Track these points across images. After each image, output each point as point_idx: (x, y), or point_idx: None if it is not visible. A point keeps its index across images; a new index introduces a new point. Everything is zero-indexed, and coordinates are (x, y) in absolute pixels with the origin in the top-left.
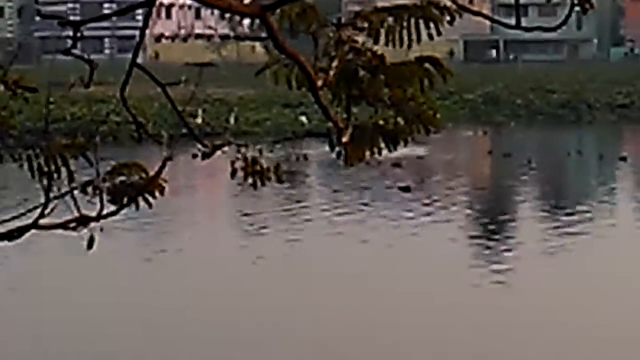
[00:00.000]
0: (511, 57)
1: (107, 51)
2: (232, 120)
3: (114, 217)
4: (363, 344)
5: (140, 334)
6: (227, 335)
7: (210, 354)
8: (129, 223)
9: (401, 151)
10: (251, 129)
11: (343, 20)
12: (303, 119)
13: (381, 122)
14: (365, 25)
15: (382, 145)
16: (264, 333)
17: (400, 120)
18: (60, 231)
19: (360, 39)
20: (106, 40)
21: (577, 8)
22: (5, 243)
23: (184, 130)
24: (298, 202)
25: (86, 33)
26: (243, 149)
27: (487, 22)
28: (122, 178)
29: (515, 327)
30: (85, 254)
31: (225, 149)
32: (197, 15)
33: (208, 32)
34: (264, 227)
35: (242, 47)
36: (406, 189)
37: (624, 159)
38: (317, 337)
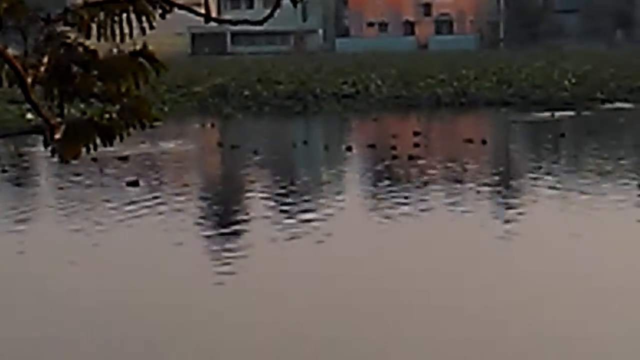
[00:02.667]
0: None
1: None
2: None
3: None
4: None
5: None
6: None
7: None
8: None
9: (129, 144)
10: None
11: (54, 15)
12: (29, 115)
13: (96, 118)
14: (77, 20)
15: (98, 140)
16: None
17: (115, 115)
18: None
19: (74, 34)
20: None
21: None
22: None
23: None
24: (23, 200)
25: None
26: None
27: (215, 14)
28: None
29: (252, 323)
30: None
31: None
32: None
33: None
34: None
35: None
36: (134, 184)
37: (349, 148)
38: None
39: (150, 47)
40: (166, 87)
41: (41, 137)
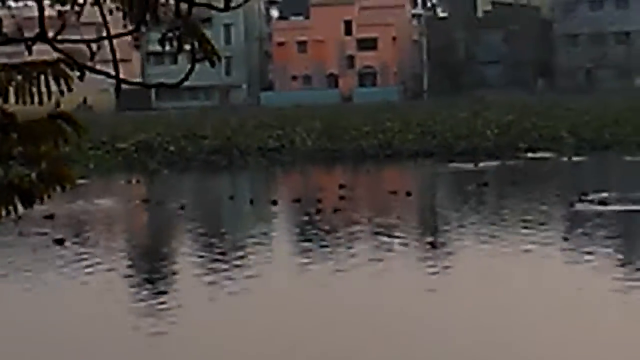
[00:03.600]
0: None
1: None
2: None
3: None
4: None
5: None
6: None
7: None
8: None
9: (55, 202)
10: None
11: None
12: None
13: (16, 181)
14: None
15: (18, 203)
16: None
17: (34, 178)
18: None
19: None
20: None
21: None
22: None
23: None
24: None
25: None
26: None
27: (139, 70)
28: None
29: None
30: None
31: None
32: None
33: None
34: None
35: None
36: (60, 241)
37: (275, 202)
38: None
39: (74, 104)
40: (91, 143)
41: None
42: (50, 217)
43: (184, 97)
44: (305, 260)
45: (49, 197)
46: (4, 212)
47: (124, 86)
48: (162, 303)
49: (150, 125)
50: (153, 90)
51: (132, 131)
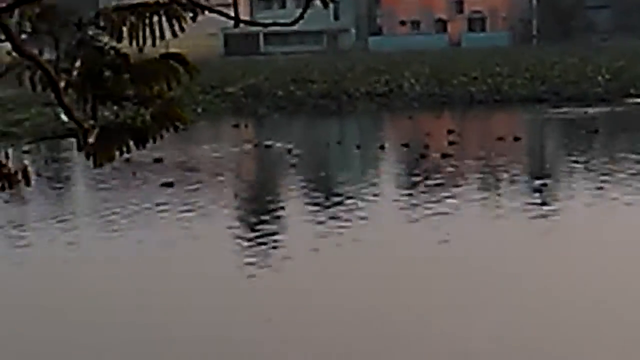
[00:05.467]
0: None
1: None
2: None
3: None
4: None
5: None
6: None
7: None
8: None
9: (163, 146)
10: (9, 130)
11: (85, 19)
12: (63, 117)
13: (129, 121)
14: (108, 24)
15: (131, 143)
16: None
17: (147, 118)
18: None
19: (105, 38)
20: None
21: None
22: None
23: None
24: (61, 204)
25: None
26: None
27: (247, 14)
28: None
29: (302, 314)
30: None
31: None
32: None
33: None
34: (32, 235)
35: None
36: (169, 185)
37: (382, 147)
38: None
39: (184, 49)
40: (200, 88)
41: (75, 141)
42: (159, 160)
43: (292, 41)
44: (413, 205)
45: (161, 137)
46: (117, 153)
47: (233, 31)
48: (267, 248)
49: (259, 70)
50: (262, 35)
51: (240, 76)
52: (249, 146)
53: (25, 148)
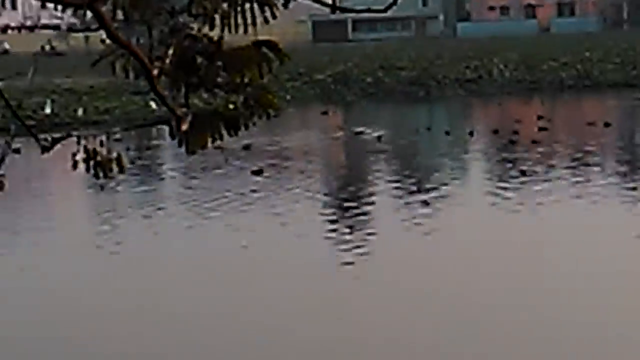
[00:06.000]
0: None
1: None
2: (80, 111)
3: None
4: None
5: None
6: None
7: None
8: None
9: (252, 133)
10: (101, 118)
11: (178, 7)
12: (153, 105)
13: (221, 108)
14: (200, 11)
15: (224, 131)
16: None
17: (240, 105)
18: None
19: (197, 25)
20: None
21: None
22: None
23: (34, 122)
24: (153, 191)
25: None
26: (83, 140)
27: (336, 2)
28: None
29: (390, 304)
30: None
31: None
32: (43, 5)
33: (55, 22)
34: (122, 220)
35: (92, 35)
36: (258, 172)
37: (471, 133)
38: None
39: (272, 36)
40: (288, 75)
41: (167, 128)
42: (248, 147)
43: (380, 28)
44: (504, 193)
45: (253, 124)
46: (209, 140)
47: (321, 18)
48: (356, 235)
49: (347, 57)
50: (350, 21)
51: (328, 63)
52: (338, 133)
53: (117, 136)
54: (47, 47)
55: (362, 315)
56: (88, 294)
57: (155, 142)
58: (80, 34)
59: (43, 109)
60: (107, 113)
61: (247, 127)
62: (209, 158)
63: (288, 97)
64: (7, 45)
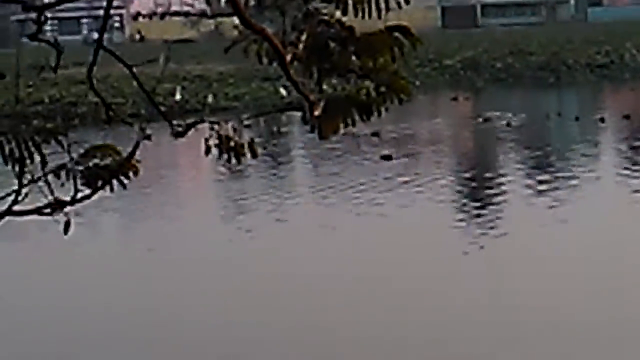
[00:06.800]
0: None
1: (84, 32)
2: (210, 97)
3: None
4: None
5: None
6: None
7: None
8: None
9: (381, 119)
10: (230, 104)
11: None
12: (282, 91)
13: (353, 94)
14: None
15: (356, 116)
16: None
17: (372, 90)
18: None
19: (329, 10)
20: (83, 21)
21: None
22: None
23: (164, 109)
24: (282, 178)
25: (62, 15)
26: (216, 126)
27: None
28: (96, 161)
29: (507, 294)
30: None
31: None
32: None
33: (185, 9)
34: (251, 206)
35: (221, 22)
36: (387, 157)
37: (602, 119)
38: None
39: (400, 22)
40: (418, 61)
41: (299, 114)
42: (376, 134)
43: (510, 13)
44: (637, 180)
45: (386, 110)
46: (342, 125)
47: (450, 3)
48: (483, 222)
49: (476, 42)
50: (479, 7)
51: (457, 48)
52: (467, 119)
53: (246, 122)
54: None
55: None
56: (214, 275)
57: (284, 128)
58: (211, 21)
59: (173, 95)
60: (236, 100)
61: (379, 113)
62: (338, 145)
63: (417, 83)
64: (141, 33)
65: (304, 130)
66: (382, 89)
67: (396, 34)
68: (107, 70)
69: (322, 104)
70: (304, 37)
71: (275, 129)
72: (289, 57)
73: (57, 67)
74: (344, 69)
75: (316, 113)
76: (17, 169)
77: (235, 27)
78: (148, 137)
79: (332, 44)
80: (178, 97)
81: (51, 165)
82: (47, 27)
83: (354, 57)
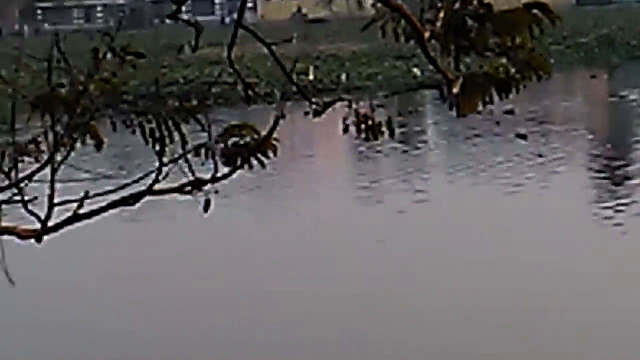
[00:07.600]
0: None
1: (217, 13)
2: (343, 77)
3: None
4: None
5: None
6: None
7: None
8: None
9: (515, 98)
10: (363, 84)
11: None
12: (415, 70)
13: (492, 71)
14: None
15: (494, 94)
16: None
17: (511, 68)
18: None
19: None
20: (217, 1)
21: None
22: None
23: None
24: (417, 157)
25: None
26: (354, 105)
27: None
28: (235, 139)
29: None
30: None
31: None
32: None
33: None
34: (391, 187)
35: (354, 1)
36: (523, 137)
37: None
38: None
39: None
40: (552, 39)
41: (431, 94)
42: (511, 112)
43: None
44: None
45: (524, 87)
46: (480, 103)
47: None
48: (620, 195)
49: (611, 20)
50: None
51: (592, 26)
52: (603, 97)
53: (378, 102)
54: (297, 13)
55: None
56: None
57: (419, 108)
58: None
59: (307, 75)
60: (369, 79)
61: (517, 90)
62: (471, 123)
63: (552, 60)
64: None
65: (437, 110)
66: (522, 66)
67: (535, 10)
68: (240, 50)
69: (460, 81)
70: (441, 15)
71: (410, 108)
72: (427, 35)
73: (197, 47)
74: (482, 47)
75: (455, 90)
76: (157, 148)
77: (373, 5)
78: (283, 116)
79: (470, 21)
80: (311, 76)
81: (190, 145)
82: (183, 8)
83: (492, 34)
